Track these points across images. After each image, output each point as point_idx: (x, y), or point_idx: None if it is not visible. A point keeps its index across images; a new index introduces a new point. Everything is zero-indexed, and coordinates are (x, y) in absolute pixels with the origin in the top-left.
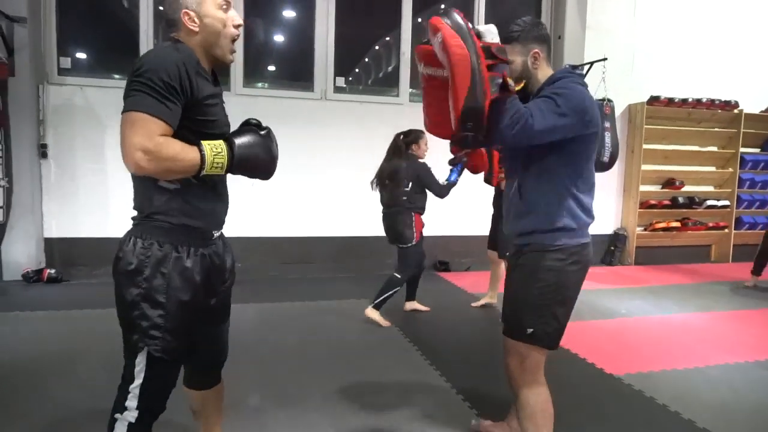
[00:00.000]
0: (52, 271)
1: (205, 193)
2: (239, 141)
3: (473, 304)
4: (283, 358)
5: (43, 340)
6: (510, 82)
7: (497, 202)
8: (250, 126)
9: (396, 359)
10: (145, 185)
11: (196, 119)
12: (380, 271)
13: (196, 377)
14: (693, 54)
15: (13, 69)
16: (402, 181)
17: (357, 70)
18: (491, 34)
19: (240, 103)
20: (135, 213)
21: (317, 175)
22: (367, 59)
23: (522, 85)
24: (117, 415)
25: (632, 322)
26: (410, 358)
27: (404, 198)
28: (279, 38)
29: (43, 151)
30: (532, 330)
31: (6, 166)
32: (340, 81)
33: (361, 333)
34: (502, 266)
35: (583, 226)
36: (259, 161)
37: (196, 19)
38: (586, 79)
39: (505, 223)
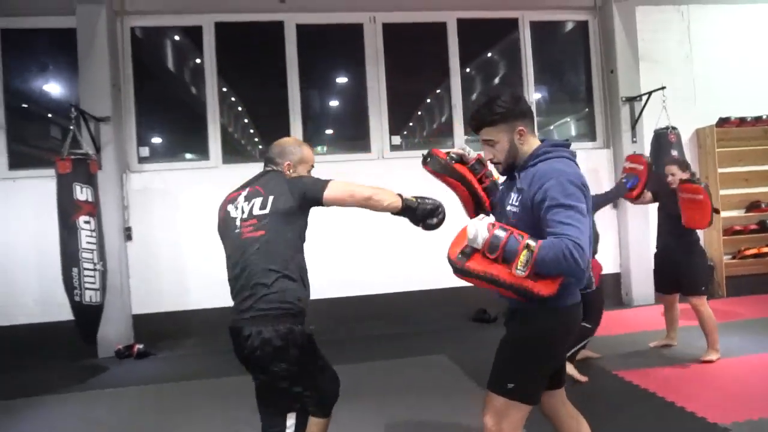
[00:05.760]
0: (141, 346)
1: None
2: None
3: (652, 344)
4: (367, 424)
5: (139, 416)
6: (490, 171)
7: (677, 239)
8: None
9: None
10: (277, 279)
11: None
12: (445, 323)
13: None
14: (759, 70)
15: (100, 163)
16: None
17: (411, 123)
18: (466, 151)
19: None
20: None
21: (379, 234)
22: (419, 112)
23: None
24: None
25: (732, 363)
26: None
27: None
28: (334, 103)
29: (128, 234)
30: (513, 385)
31: (100, 252)
32: (396, 139)
33: (441, 391)
34: (677, 307)
35: (564, 290)
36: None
37: (291, 170)
38: (646, 111)
39: None
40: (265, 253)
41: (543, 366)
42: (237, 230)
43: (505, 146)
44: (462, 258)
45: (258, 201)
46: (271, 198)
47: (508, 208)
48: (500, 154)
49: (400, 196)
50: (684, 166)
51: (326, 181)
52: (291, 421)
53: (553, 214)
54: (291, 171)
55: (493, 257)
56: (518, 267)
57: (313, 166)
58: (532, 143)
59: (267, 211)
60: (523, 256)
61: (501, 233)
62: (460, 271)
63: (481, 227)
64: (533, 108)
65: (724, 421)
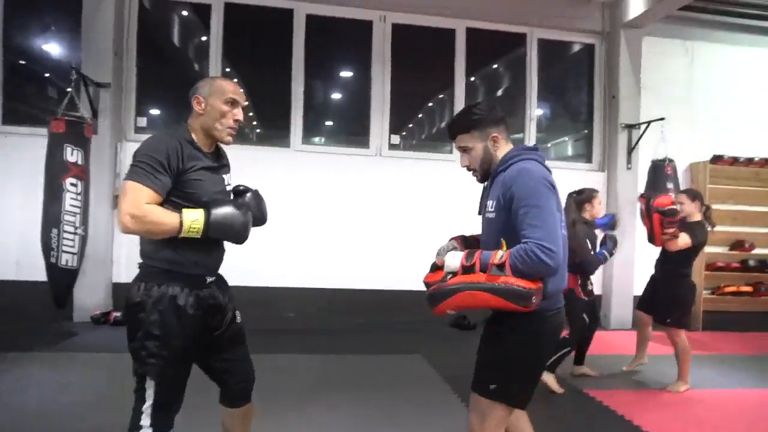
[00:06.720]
0: (118, 314)
1: (194, 246)
2: (215, 211)
3: (625, 368)
4: (337, 418)
5: (109, 382)
6: (498, 255)
7: (661, 264)
8: (234, 197)
9: (451, 421)
10: (143, 238)
11: (181, 190)
12: (424, 325)
13: (226, 396)
14: (757, 111)
15: (96, 128)
16: None
17: (411, 125)
18: (453, 256)
19: (298, 159)
20: (140, 260)
21: (370, 229)
22: (420, 114)
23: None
24: None
25: (701, 395)
26: (459, 418)
27: None
28: (336, 96)
29: (116, 202)
30: (495, 386)
31: (84, 216)
32: (395, 139)
33: (412, 389)
34: (650, 329)
35: (550, 295)
36: (231, 230)
37: (203, 104)
38: (644, 139)
39: None
40: None
41: (528, 370)
42: None
43: (480, 153)
44: (442, 281)
45: None
46: None
47: (487, 215)
48: (475, 162)
49: (180, 223)
50: (693, 196)
51: (128, 174)
52: (150, 384)
53: (522, 216)
54: (202, 106)
55: (470, 264)
56: (495, 263)
57: (234, 100)
58: (506, 150)
59: None
60: (498, 256)
61: (474, 253)
62: (440, 295)
63: (455, 257)
64: (533, 124)
65: None
